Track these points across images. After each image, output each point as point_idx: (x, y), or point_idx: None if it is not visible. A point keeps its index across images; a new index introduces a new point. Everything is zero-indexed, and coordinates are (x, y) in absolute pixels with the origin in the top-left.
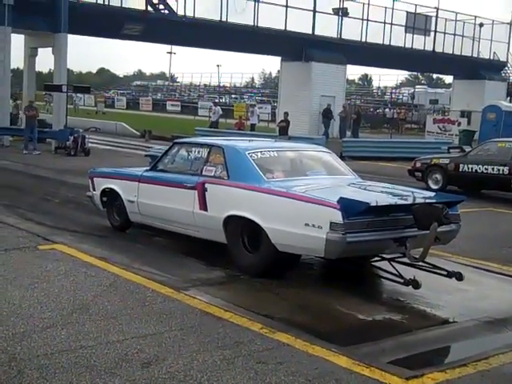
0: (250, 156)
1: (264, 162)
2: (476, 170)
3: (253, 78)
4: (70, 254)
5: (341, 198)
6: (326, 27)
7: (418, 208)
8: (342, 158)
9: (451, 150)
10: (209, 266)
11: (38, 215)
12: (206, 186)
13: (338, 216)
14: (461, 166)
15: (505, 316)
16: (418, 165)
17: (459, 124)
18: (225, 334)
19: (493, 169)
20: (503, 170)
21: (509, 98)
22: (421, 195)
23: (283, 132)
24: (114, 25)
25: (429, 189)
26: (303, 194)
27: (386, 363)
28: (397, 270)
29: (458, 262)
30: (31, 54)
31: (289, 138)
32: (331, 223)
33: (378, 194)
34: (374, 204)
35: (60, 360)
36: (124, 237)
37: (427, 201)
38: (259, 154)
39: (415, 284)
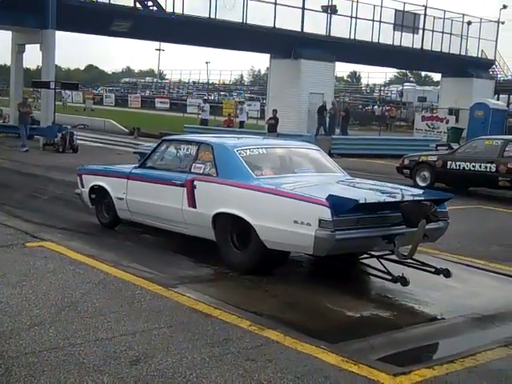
0: (239, 153)
1: (253, 160)
2: (463, 168)
3: (242, 76)
4: (58, 252)
5: (330, 195)
6: (315, 25)
7: (406, 205)
8: (330, 155)
9: (439, 148)
10: (197, 263)
11: (25, 212)
12: (195, 183)
13: (326, 213)
14: (448, 163)
15: (492, 313)
16: (406, 162)
17: (447, 121)
18: (214, 331)
19: (480, 166)
20: (490, 168)
21: (496, 96)
22: (409, 192)
23: (272, 129)
24: (103, 21)
25: (417, 186)
26: (292, 192)
27: (374, 360)
28: (385, 267)
29: (446, 259)
30: (19, 51)
31: (277, 136)
32: (320, 220)
33: (366, 192)
34: (362, 201)
35: (48, 358)
36: (113, 234)
37: (415, 198)
38: (248, 151)
39: (403, 281)
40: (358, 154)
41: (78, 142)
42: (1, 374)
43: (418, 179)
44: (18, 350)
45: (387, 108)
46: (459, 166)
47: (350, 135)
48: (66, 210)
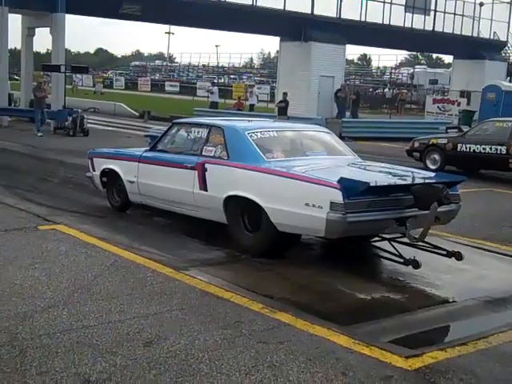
0: (250, 136)
1: (264, 142)
2: (474, 150)
3: (252, 59)
4: (70, 235)
5: (341, 177)
6: (326, 7)
7: (418, 188)
8: (341, 138)
9: (449, 130)
10: (209, 246)
11: (37, 196)
12: (206, 166)
13: (338, 196)
14: (459, 145)
15: (504, 295)
16: (416, 145)
17: (459, 104)
18: (225, 313)
19: (490, 148)
20: (501, 150)
21: (509, 78)
22: (421, 175)
23: (282, 112)
24: (112, 4)
25: (427, 169)
26: (303, 174)
27: (386, 342)
28: (397, 250)
29: (457, 241)
30: (28, 34)
31: (288, 118)
32: (331, 203)
33: (377, 174)
34: (373, 184)
35: (62, 339)
36: (124, 217)
37: (427, 181)
38: (259, 134)
39: (415, 264)
40: (368, 137)
41: (89, 125)
42: (15, 355)
43: (428, 162)
44: (31, 331)
45: (398, 91)
46: (469, 148)
47: (360, 118)
48: (78, 194)
